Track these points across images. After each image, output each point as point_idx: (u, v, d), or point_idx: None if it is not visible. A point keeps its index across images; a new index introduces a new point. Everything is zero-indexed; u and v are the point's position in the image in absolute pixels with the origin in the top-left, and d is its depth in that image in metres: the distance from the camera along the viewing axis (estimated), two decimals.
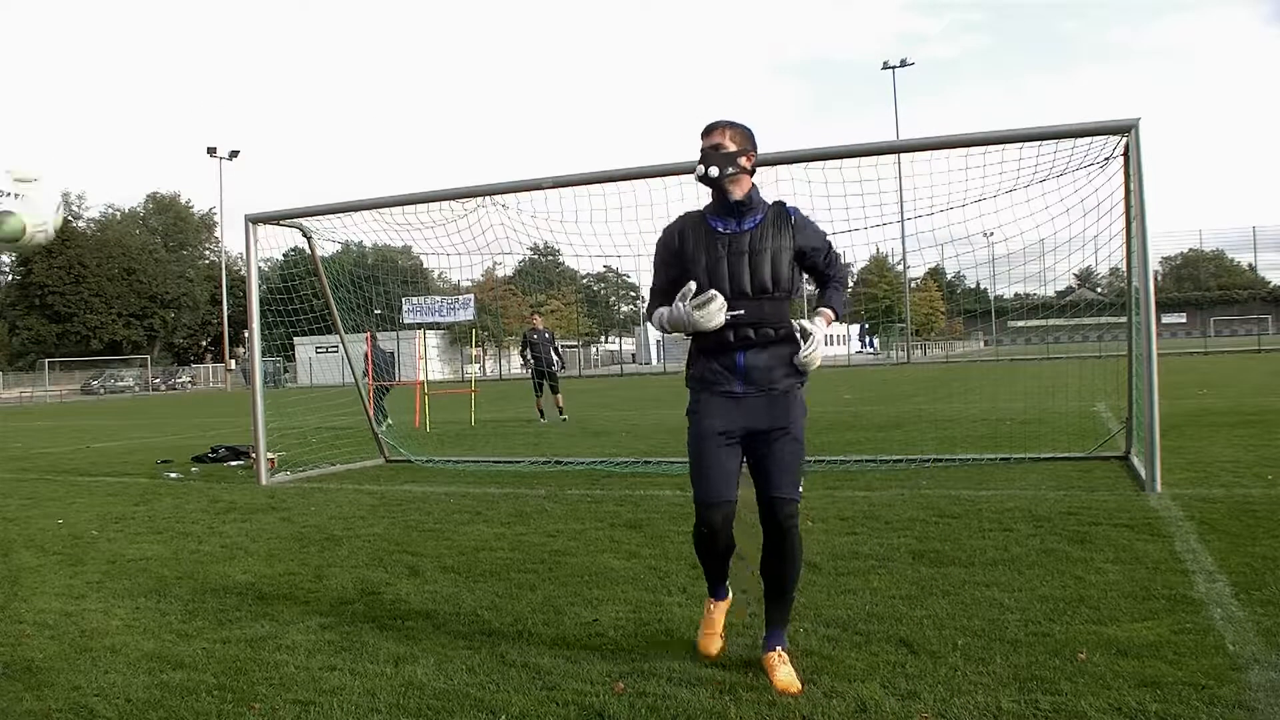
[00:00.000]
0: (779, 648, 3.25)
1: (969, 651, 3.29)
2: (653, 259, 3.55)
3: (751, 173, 3.43)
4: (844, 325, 67.05)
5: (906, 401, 17.40)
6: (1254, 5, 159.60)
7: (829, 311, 3.43)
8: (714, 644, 3.45)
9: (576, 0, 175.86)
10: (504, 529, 6.00)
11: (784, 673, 3.14)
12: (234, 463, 10.65)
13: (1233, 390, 16.22)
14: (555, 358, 15.90)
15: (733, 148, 3.39)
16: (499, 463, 9.73)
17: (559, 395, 15.57)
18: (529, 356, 16.00)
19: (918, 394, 19.64)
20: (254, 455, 9.24)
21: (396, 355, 18.16)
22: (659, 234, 3.53)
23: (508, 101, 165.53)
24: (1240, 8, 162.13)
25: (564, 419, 15.17)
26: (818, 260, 3.42)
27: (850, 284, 4.30)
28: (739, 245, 3.31)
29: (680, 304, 3.24)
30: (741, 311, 3.24)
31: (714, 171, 3.34)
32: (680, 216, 3.53)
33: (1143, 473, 6.56)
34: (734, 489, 3.31)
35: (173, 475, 9.72)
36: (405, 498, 7.58)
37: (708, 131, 3.42)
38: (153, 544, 5.96)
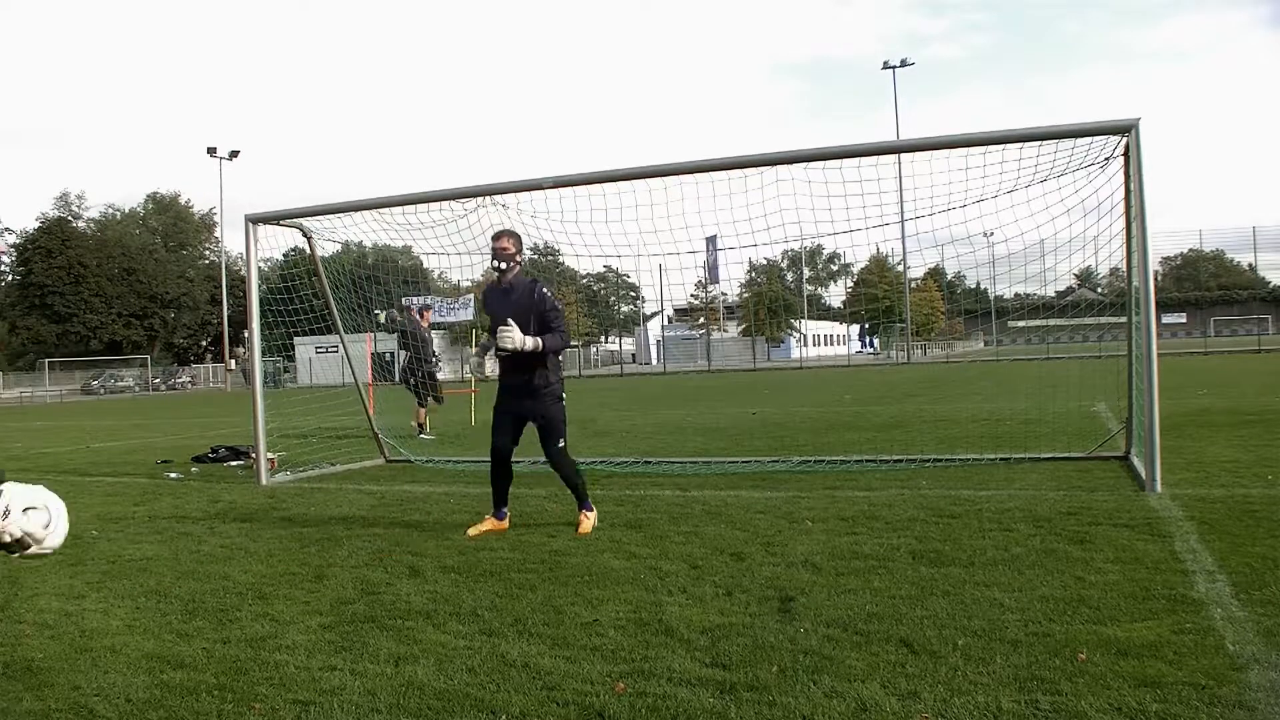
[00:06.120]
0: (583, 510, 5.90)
1: (969, 651, 3.29)
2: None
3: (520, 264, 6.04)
4: (845, 325, 67.15)
5: (906, 401, 17.39)
6: (1254, 7, 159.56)
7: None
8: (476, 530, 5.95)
9: (576, 0, 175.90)
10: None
11: (585, 523, 5.79)
12: (234, 463, 10.65)
13: (1233, 390, 16.22)
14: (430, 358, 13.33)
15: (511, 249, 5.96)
16: None
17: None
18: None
19: (918, 394, 19.64)
20: (254, 455, 9.24)
21: (396, 356, 17.41)
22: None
23: (508, 101, 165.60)
24: (1240, 10, 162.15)
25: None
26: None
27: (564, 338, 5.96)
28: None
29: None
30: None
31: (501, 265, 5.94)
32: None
33: (1143, 473, 6.56)
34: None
35: (173, 475, 9.72)
36: (405, 498, 7.58)
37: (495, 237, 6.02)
38: (153, 544, 5.96)
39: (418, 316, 13.86)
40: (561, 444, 5.90)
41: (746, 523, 5.81)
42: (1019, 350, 43.78)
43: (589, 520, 5.84)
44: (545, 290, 5.90)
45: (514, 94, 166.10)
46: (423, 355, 13.38)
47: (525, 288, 5.89)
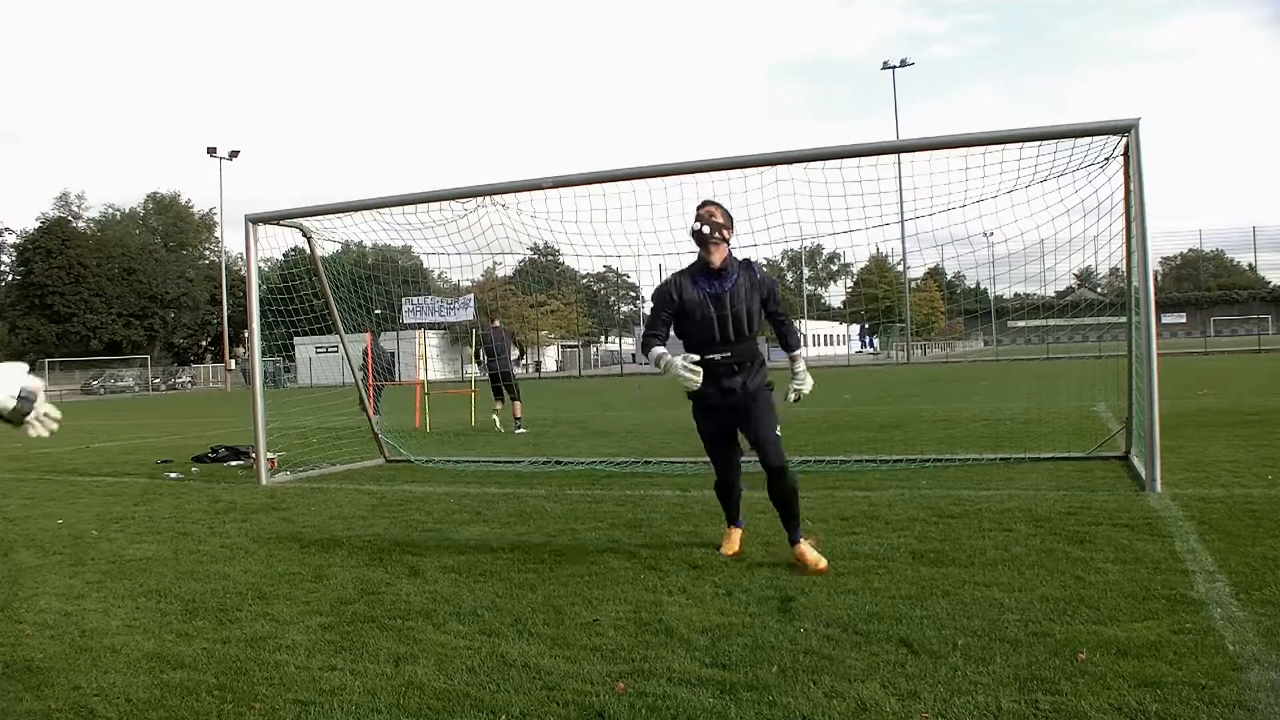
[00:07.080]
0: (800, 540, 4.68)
1: (969, 651, 3.29)
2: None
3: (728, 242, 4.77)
4: (845, 325, 67.18)
5: (906, 401, 17.40)
6: (1254, 7, 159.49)
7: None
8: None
9: (577, 0, 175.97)
10: (504, 529, 6.00)
11: (811, 555, 4.57)
12: (234, 463, 10.65)
13: (1233, 390, 16.22)
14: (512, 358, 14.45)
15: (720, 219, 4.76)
16: (499, 463, 9.73)
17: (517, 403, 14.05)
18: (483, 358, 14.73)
19: (918, 394, 19.64)
20: (254, 455, 9.25)
21: (396, 356, 17.98)
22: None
23: (508, 101, 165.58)
24: (1240, 10, 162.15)
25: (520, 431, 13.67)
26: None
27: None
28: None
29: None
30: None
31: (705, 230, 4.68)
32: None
33: (1143, 473, 6.56)
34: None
35: (173, 475, 9.72)
36: (405, 498, 7.58)
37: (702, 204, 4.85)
38: (153, 544, 5.96)
39: (488, 320, 15.27)
40: (778, 430, 4.78)
41: (747, 523, 5.80)
42: (1019, 350, 43.83)
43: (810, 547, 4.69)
44: (765, 270, 4.86)
45: (514, 94, 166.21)
46: (506, 355, 14.47)
47: (742, 269, 4.76)
